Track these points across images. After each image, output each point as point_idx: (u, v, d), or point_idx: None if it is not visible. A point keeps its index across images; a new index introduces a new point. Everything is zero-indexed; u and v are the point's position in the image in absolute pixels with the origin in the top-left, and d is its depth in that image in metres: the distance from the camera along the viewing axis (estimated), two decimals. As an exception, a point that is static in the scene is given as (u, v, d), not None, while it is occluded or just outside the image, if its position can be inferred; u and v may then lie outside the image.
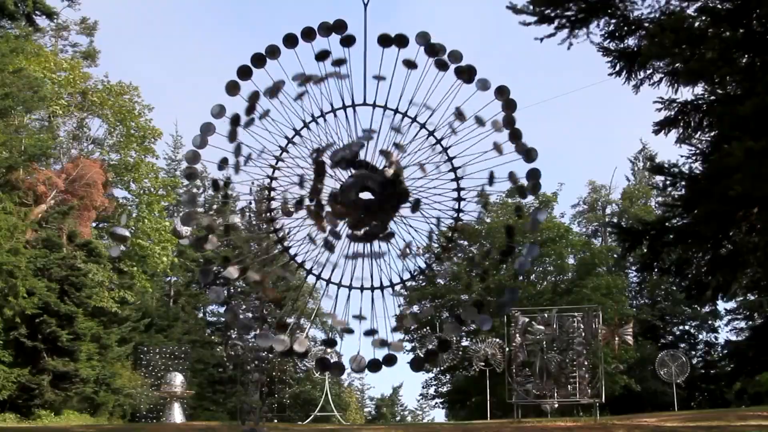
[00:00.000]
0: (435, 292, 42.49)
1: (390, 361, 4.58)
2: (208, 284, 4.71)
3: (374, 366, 4.58)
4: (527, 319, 23.12)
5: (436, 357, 4.91)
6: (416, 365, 4.71)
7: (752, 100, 10.67)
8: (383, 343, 4.58)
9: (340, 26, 4.75)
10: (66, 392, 29.86)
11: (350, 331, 4.63)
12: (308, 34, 4.72)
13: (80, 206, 36.38)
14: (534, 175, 4.67)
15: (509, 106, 4.68)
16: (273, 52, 4.72)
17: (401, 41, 4.72)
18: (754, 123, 10.65)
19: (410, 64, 4.66)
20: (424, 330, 40.29)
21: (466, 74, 4.66)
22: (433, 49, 4.67)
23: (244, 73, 4.73)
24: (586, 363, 22.70)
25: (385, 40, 4.72)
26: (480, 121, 4.66)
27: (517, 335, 22.90)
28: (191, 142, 4.74)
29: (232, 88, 4.71)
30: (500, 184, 4.73)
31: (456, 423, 34.47)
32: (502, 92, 4.71)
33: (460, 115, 4.70)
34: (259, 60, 4.74)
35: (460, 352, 36.20)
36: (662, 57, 12.68)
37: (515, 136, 4.67)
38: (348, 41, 4.73)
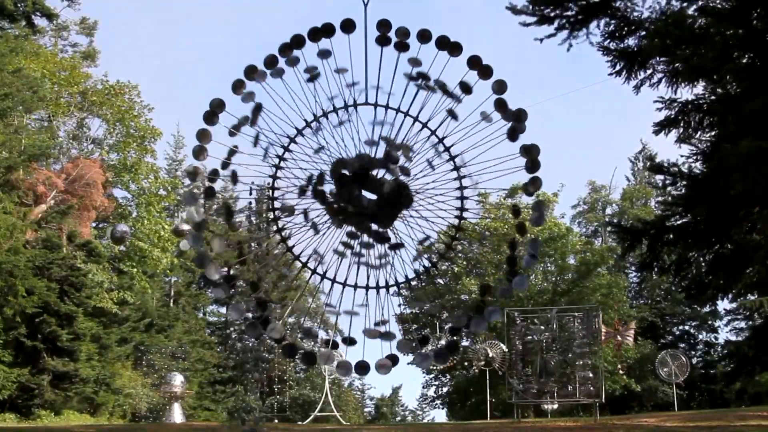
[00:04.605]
0: (434, 291, 42.44)
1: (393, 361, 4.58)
2: (213, 284, 4.67)
3: (362, 369, 4.57)
4: (523, 326, 23.11)
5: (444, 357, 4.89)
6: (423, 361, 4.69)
7: (761, 99, 10.68)
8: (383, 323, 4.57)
9: (347, 25, 4.76)
10: (66, 392, 29.84)
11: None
12: (315, 33, 4.74)
13: (80, 206, 36.37)
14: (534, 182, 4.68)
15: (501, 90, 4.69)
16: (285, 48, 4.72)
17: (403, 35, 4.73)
18: (761, 121, 10.65)
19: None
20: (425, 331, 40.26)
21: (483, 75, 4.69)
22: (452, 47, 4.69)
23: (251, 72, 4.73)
24: (588, 362, 22.69)
25: (384, 29, 4.73)
26: (486, 118, 4.64)
27: (517, 338, 22.90)
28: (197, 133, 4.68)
29: (237, 87, 4.71)
30: (499, 181, 4.73)
31: (456, 423, 34.46)
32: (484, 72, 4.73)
33: (452, 114, 4.69)
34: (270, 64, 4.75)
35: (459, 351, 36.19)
36: (664, 54, 12.68)
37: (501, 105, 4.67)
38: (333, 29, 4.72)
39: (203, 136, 4.64)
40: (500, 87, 4.71)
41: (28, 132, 36.70)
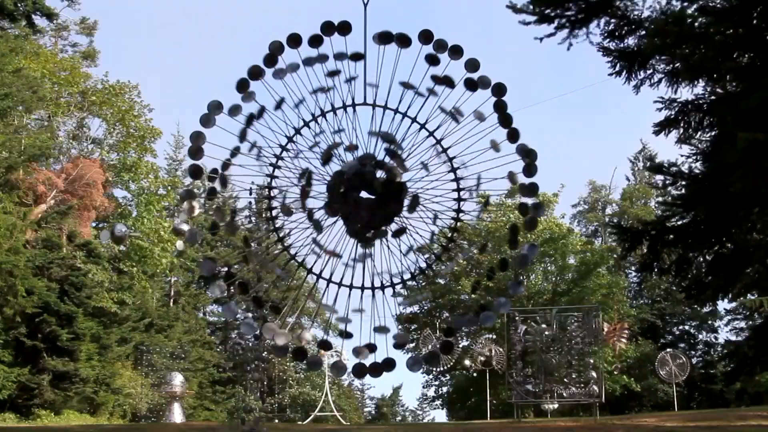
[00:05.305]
0: (434, 291, 42.52)
1: (389, 365, 4.56)
2: (209, 279, 4.69)
3: (375, 370, 4.56)
4: (525, 327, 23.13)
5: (437, 358, 4.90)
6: (414, 365, 4.67)
7: (758, 94, 10.67)
8: (383, 329, 4.56)
9: (344, 27, 4.75)
10: (66, 392, 29.85)
11: (349, 336, 4.62)
12: (316, 40, 4.73)
13: (80, 206, 36.38)
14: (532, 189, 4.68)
15: (502, 105, 4.69)
16: (271, 57, 4.72)
17: (403, 40, 4.72)
18: (760, 116, 10.63)
19: (440, 80, 4.67)
20: (425, 331, 40.29)
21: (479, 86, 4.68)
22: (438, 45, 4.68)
23: (255, 73, 4.72)
24: (588, 362, 22.71)
25: (385, 38, 4.72)
26: (480, 117, 4.65)
27: (517, 338, 22.92)
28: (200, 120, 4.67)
29: (242, 87, 4.71)
30: (499, 182, 4.71)
31: (456, 423, 34.47)
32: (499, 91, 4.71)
33: (456, 113, 4.68)
34: (269, 61, 4.74)
35: (459, 350, 36.23)
36: (663, 53, 12.67)
37: (513, 136, 4.68)
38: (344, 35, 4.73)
39: (198, 138, 4.63)
40: (499, 90, 4.70)
41: (28, 132, 36.70)
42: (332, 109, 4.79)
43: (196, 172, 4.71)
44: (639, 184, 54.38)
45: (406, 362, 4.60)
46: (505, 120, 4.69)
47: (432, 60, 4.70)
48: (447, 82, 4.67)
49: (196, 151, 4.64)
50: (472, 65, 4.70)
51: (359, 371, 4.59)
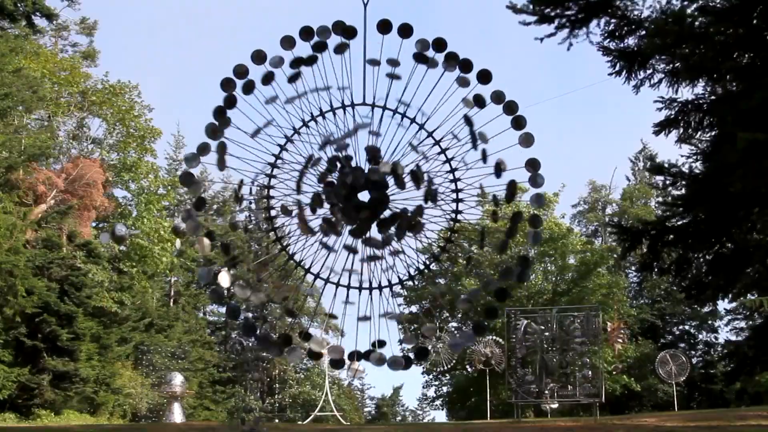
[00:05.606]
0: (433, 291, 42.49)
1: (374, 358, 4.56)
2: (208, 284, 4.66)
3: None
4: (527, 321, 23.15)
5: (426, 353, 4.89)
6: (394, 364, 4.63)
7: (758, 94, 10.67)
8: (382, 362, 4.54)
9: (342, 29, 4.75)
10: (66, 392, 29.85)
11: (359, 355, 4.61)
12: (307, 32, 4.72)
13: (80, 206, 36.38)
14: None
15: (517, 118, 4.67)
16: (262, 58, 4.72)
17: (405, 31, 4.72)
18: (760, 116, 10.63)
19: (422, 58, 4.65)
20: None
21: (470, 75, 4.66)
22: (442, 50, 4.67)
23: (241, 73, 4.71)
24: (588, 362, 22.73)
25: (385, 27, 4.71)
26: (483, 138, 4.61)
27: (517, 338, 22.93)
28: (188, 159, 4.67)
29: (227, 85, 4.70)
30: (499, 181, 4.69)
31: (456, 423, 34.47)
32: (508, 106, 4.69)
33: (480, 136, 4.61)
34: (258, 59, 4.73)
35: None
36: (663, 53, 12.67)
37: (527, 140, 4.64)
38: (349, 33, 4.72)
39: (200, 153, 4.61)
40: (499, 98, 4.68)
41: (28, 132, 36.71)
42: (331, 109, 4.78)
43: (187, 178, 4.68)
44: (639, 184, 54.38)
45: (387, 363, 4.56)
46: (517, 123, 4.67)
47: (437, 45, 4.68)
48: (463, 65, 4.65)
49: (192, 158, 4.62)
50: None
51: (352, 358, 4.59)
